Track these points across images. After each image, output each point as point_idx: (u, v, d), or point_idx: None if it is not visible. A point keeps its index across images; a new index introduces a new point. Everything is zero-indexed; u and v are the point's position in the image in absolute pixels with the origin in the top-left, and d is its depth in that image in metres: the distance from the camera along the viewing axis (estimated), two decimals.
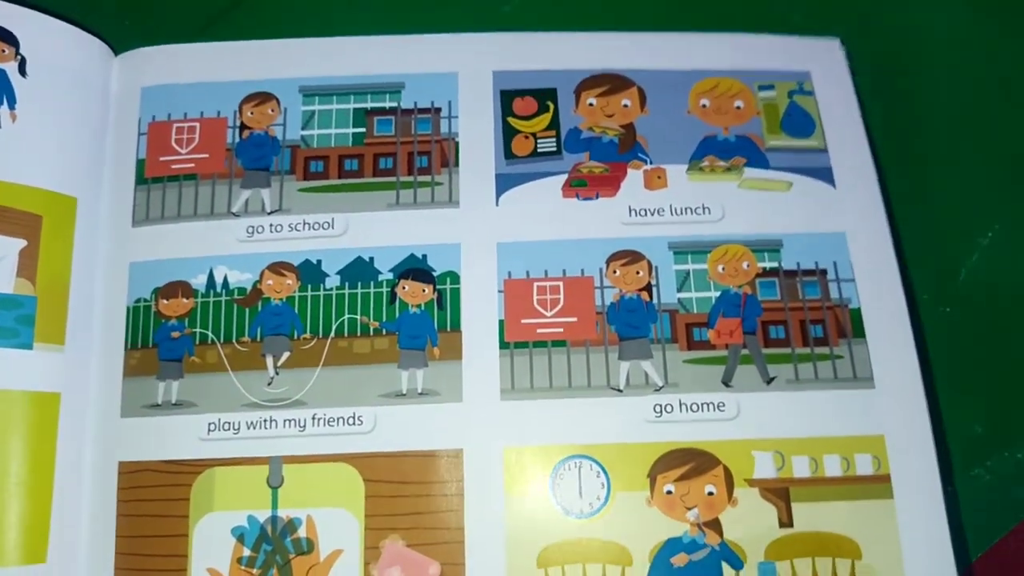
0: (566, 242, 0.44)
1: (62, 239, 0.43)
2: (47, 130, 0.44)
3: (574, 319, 0.42)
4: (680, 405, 0.41)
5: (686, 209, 0.44)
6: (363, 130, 0.46)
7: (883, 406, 0.41)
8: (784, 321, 0.43)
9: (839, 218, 0.44)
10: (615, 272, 0.43)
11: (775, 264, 0.44)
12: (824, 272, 0.43)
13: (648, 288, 0.43)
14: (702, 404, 0.41)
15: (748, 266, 0.43)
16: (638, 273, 0.43)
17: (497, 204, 0.44)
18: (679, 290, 0.43)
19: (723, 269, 0.43)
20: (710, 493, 0.40)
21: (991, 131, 0.50)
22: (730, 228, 0.44)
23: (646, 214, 0.44)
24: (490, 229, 0.44)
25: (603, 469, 0.40)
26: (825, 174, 0.45)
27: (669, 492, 0.40)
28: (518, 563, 0.39)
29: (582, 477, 0.40)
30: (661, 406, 0.41)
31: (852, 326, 0.43)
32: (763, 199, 0.45)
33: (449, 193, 0.45)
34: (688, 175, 0.45)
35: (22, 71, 0.44)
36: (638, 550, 0.39)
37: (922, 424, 0.41)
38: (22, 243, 0.42)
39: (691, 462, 0.40)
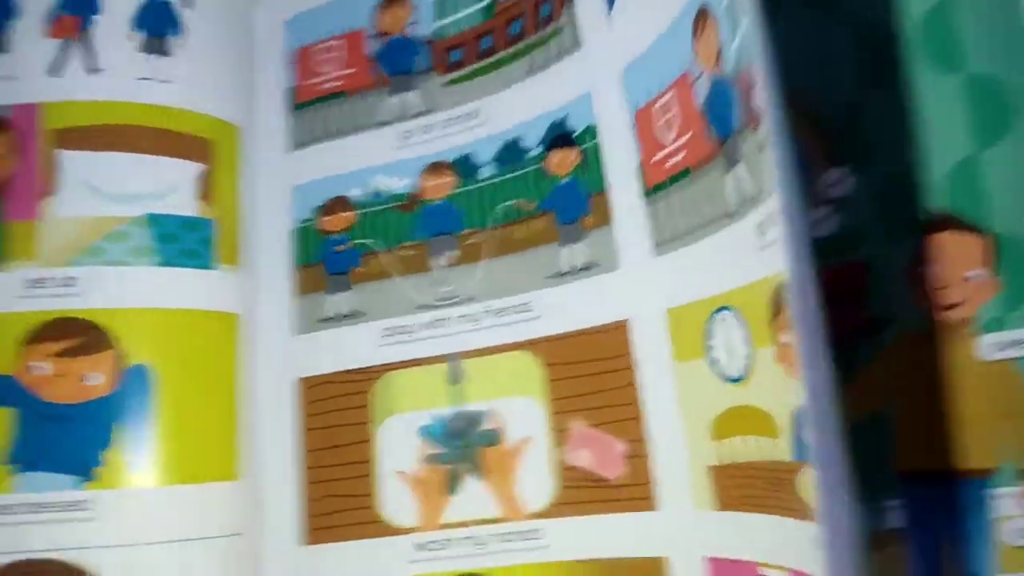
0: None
1: (231, 165, 0.44)
2: (210, 61, 0.45)
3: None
4: None
5: None
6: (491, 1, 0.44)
7: None
8: None
9: None
10: None
11: None
12: None
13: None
14: None
15: None
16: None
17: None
18: None
19: None
20: None
21: None
22: None
23: None
24: (612, 55, 0.39)
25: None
26: None
27: None
28: (695, 435, 0.36)
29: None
30: None
31: None
32: None
33: (574, 35, 0.41)
34: None
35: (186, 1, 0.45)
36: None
37: None
38: (200, 167, 0.43)
39: None
